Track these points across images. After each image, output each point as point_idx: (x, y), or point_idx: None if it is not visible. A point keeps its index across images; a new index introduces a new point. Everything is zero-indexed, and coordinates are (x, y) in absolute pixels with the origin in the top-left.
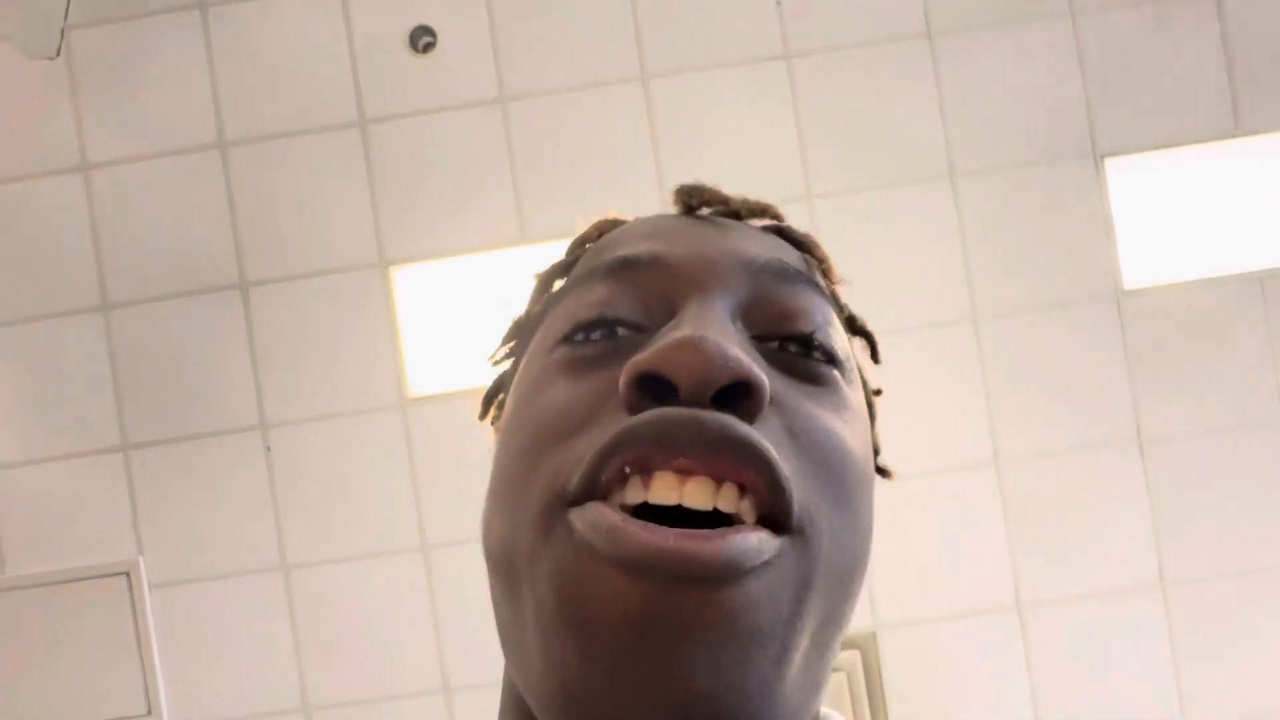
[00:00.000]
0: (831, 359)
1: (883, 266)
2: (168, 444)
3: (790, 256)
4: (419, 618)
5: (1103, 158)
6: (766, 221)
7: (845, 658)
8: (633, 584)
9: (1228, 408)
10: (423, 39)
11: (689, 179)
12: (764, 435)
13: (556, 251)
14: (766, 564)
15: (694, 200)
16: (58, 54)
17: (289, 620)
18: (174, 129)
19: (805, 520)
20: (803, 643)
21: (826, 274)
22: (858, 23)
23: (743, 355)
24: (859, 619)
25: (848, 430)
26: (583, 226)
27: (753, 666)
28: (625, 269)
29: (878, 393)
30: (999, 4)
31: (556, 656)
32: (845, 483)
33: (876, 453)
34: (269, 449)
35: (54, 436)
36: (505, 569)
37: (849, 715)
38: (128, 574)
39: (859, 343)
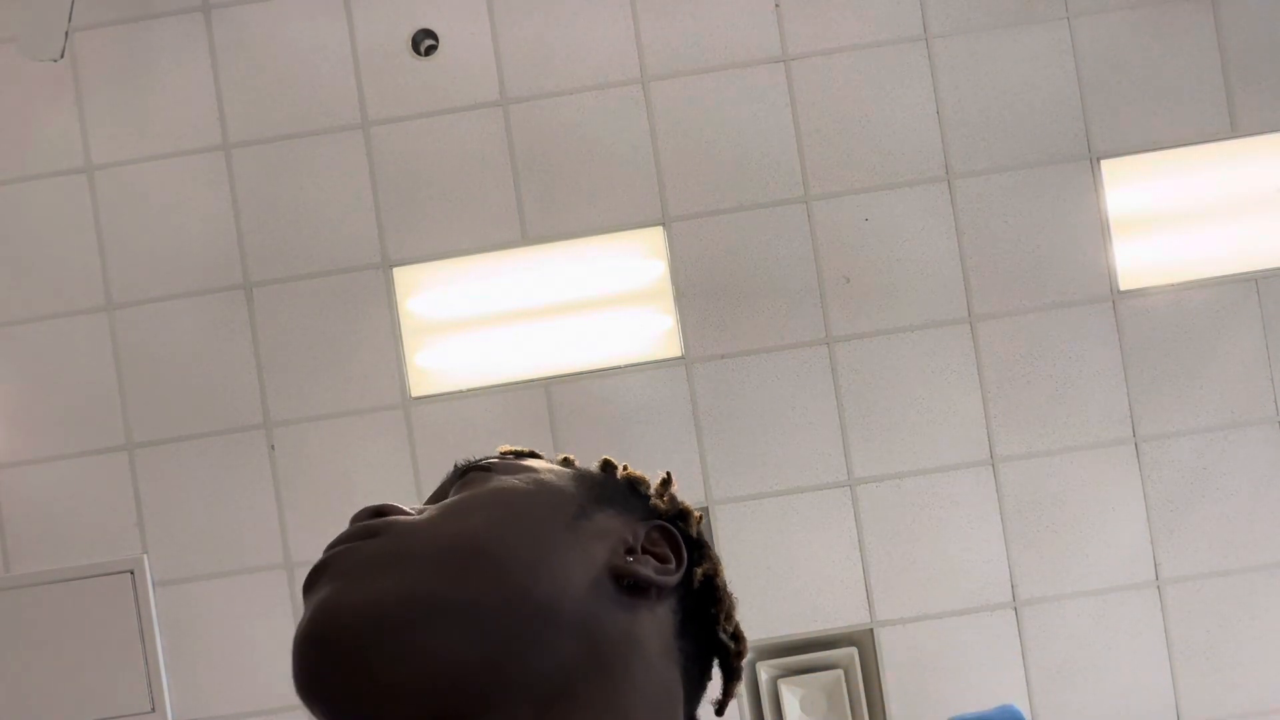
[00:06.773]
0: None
1: (880, 267)
2: (172, 443)
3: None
4: None
5: (1099, 159)
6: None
7: (843, 654)
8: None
9: (1223, 407)
10: (425, 42)
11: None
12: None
13: (557, 252)
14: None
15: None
16: (62, 56)
17: (292, 618)
18: (178, 131)
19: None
20: None
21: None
22: (855, 25)
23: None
24: (857, 616)
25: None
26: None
27: None
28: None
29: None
30: (995, 7)
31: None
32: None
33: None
34: (272, 448)
35: (59, 435)
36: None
37: (847, 712)
38: (132, 572)
39: None
